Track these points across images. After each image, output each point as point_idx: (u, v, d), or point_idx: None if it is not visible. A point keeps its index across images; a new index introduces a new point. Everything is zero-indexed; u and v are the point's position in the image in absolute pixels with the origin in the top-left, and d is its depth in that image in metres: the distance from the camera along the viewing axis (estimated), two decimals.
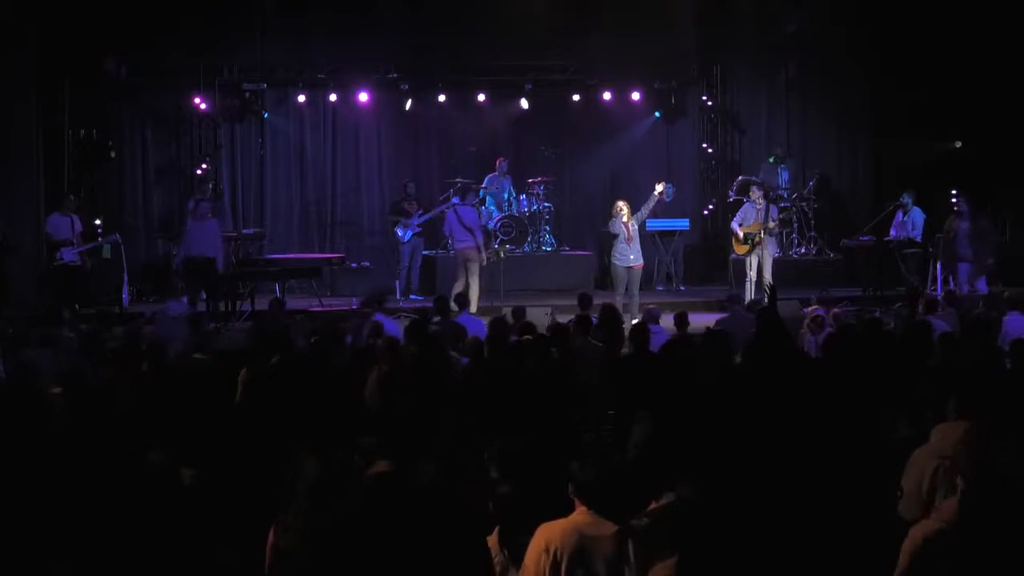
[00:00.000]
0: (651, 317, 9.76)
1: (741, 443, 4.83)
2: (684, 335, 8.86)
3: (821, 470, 4.52)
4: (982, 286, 13.70)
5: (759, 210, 13.40)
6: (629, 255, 12.37)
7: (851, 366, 6.64)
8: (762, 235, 13.22)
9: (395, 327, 9.56)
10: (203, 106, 15.55)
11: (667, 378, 6.41)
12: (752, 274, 13.28)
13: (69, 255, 13.04)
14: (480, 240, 13.28)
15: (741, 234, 13.38)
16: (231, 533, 4.72)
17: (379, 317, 9.90)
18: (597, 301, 12.07)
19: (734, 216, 13.95)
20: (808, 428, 5.14)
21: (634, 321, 11.29)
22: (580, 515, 4.06)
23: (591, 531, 4.02)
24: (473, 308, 11.65)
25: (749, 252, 13.28)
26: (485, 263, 13.29)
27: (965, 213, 14.09)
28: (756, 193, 13.64)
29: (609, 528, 4.02)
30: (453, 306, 10.61)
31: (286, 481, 4.25)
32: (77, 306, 12.56)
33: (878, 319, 9.13)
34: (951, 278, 14.08)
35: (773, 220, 13.54)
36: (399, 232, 14.82)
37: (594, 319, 8.92)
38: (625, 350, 8.03)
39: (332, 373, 7.16)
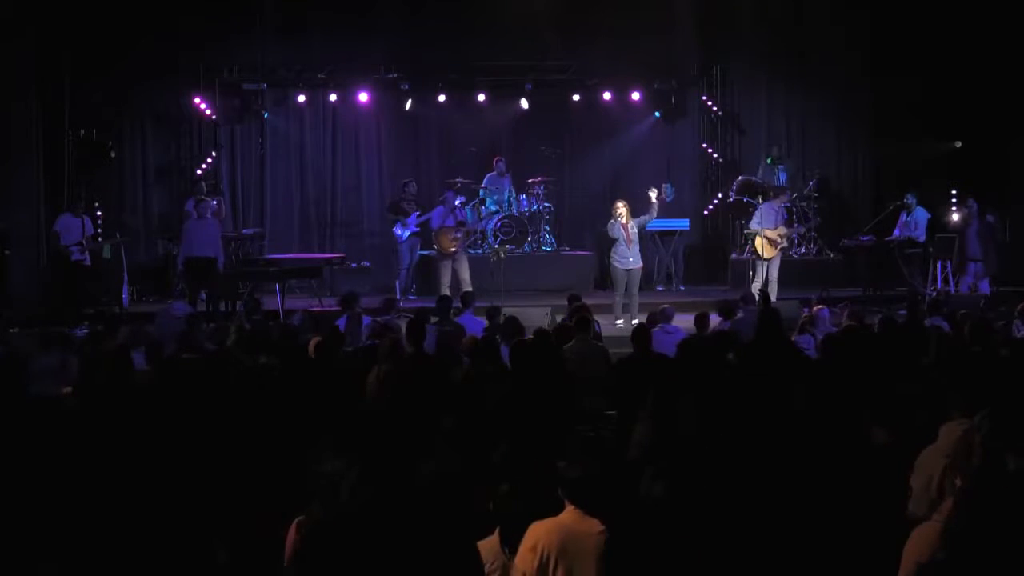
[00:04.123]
0: (665, 317, 9.74)
1: (727, 442, 4.83)
2: (701, 336, 8.81)
3: (801, 472, 4.52)
4: (985, 287, 13.71)
5: (777, 211, 13.41)
6: (628, 258, 12.40)
7: (846, 367, 6.63)
8: (785, 241, 13.29)
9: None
10: (203, 106, 15.56)
11: (671, 379, 6.38)
12: (762, 273, 13.28)
13: (79, 255, 13.06)
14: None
15: (770, 236, 13.32)
16: (229, 532, 4.72)
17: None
18: (597, 301, 12.12)
19: (741, 217, 13.94)
20: (795, 430, 5.14)
21: (634, 321, 11.32)
22: (568, 514, 4.11)
23: (578, 529, 4.05)
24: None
25: (774, 255, 13.30)
26: (442, 256, 13.68)
27: (975, 213, 14.11)
28: (782, 198, 13.65)
29: (596, 526, 4.06)
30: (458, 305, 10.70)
31: (310, 480, 4.20)
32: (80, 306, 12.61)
33: (891, 318, 9.08)
34: (952, 277, 14.08)
35: (796, 229, 13.60)
36: (396, 231, 14.84)
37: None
38: (628, 351, 8.00)
39: (335, 372, 7.15)
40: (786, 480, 4.46)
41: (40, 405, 6.19)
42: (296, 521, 4.11)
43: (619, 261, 12.44)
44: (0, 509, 4.55)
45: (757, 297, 12.68)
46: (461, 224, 13.79)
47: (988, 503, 3.52)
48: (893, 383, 5.91)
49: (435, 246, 13.94)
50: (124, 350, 7.16)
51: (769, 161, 16.23)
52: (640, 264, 12.56)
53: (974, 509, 3.52)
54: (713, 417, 5.33)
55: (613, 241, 12.53)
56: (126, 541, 4.38)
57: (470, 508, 4.44)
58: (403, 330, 8.41)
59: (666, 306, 10.18)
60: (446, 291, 12.75)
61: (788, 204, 13.68)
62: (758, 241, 13.51)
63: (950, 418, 4.81)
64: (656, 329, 9.23)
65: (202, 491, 4.90)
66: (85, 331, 10.71)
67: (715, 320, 10.07)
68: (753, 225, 13.61)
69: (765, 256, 13.44)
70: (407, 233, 14.80)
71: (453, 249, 13.56)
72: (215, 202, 14.10)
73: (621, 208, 12.39)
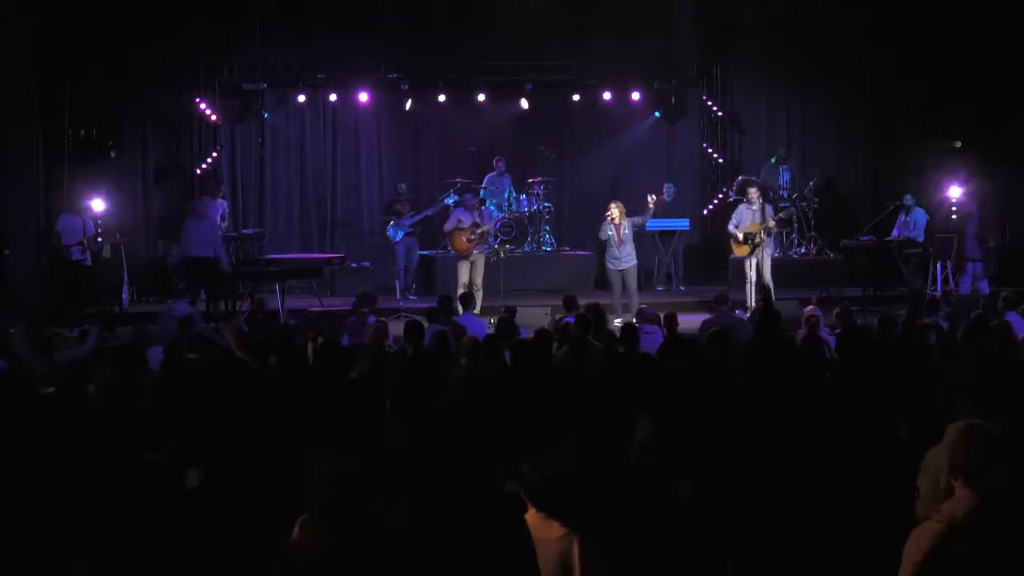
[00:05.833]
0: (644, 318, 9.74)
1: (739, 443, 4.83)
2: (679, 336, 8.82)
3: (826, 470, 4.52)
4: (984, 287, 13.71)
5: (755, 211, 13.35)
6: (620, 259, 12.61)
7: (856, 367, 6.63)
8: (762, 236, 13.18)
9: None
10: (203, 106, 15.56)
11: (660, 378, 6.39)
12: (752, 275, 13.24)
13: (80, 255, 13.06)
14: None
15: (740, 235, 13.31)
16: (238, 535, 4.71)
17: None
18: (597, 301, 12.10)
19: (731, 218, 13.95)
20: (811, 429, 5.14)
21: (616, 322, 11.34)
22: (529, 516, 4.08)
23: (538, 533, 4.02)
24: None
25: (749, 253, 13.23)
26: (459, 257, 13.41)
27: (973, 213, 14.11)
28: (753, 194, 13.55)
29: (557, 530, 4.03)
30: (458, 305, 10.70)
31: (307, 482, 4.22)
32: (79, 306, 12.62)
33: (892, 318, 9.06)
34: (951, 278, 14.08)
35: (772, 219, 13.48)
36: (390, 232, 14.84)
37: (569, 318, 8.96)
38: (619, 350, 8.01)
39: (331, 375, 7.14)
40: (792, 481, 4.46)
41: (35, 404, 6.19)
42: (300, 520, 4.11)
43: (611, 262, 12.73)
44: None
45: (750, 298, 12.74)
46: (476, 225, 13.68)
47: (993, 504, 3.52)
48: (898, 382, 5.93)
49: (449, 245, 13.83)
50: (133, 349, 7.17)
51: (774, 161, 16.24)
52: (633, 263, 12.67)
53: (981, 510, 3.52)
54: (710, 417, 5.33)
55: (606, 244, 12.70)
56: (126, 541, 4.38)
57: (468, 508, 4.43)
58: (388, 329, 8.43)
59: (644, 306, 10.18)
60: (463, 290, 12.66)
61: (760, 203, 13.49)
62: (732, 242, 13.48)
63: (959, 417, 4.80)
64: None
65: (204, 490, 4.90)
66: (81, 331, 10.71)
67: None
68: (730, 228, 13.56)
69: (737, 254, 13.46)
70: (401, 234, 14.80)
71: (467, 250, 13.44)
72: (220, 202, 14.12)
73: (613, 210, 12.63)
